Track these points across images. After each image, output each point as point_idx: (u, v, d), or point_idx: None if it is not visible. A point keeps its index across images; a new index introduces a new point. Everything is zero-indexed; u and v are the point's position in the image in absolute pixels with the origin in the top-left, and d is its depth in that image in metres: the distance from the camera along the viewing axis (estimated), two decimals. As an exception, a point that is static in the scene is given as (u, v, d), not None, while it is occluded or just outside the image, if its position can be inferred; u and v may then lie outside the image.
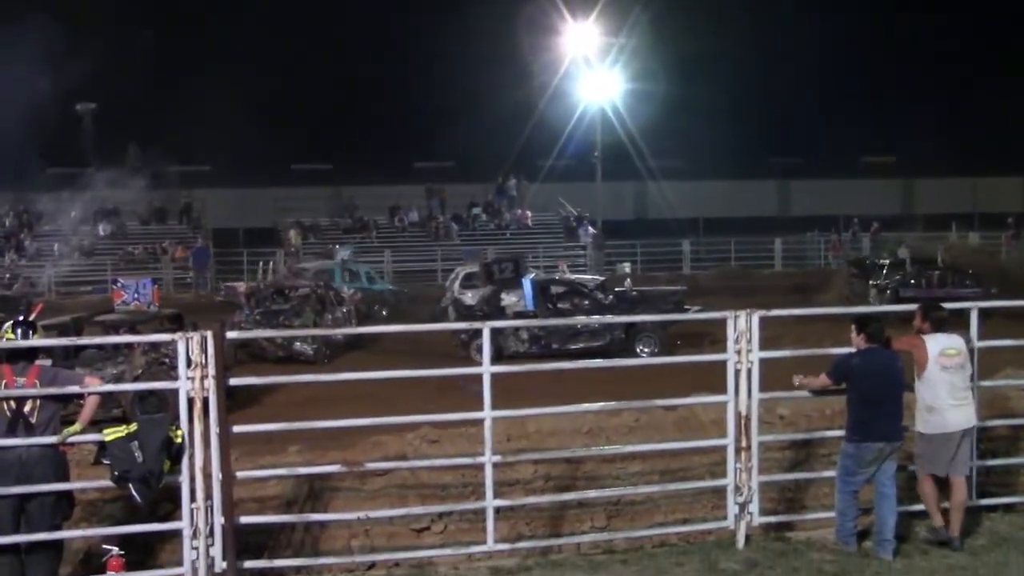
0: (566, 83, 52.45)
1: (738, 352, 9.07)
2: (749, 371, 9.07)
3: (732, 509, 9.18)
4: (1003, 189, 60.20)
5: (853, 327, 9.10)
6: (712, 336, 18.35)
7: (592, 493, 9.66)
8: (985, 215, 55.68)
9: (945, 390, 8.98)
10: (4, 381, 8.09)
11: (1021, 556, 8.94)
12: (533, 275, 26.40)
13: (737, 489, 9.13)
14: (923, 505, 9.24)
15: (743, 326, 9.06)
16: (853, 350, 9.09)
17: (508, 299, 24.38)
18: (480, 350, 21.12)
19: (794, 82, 54.74)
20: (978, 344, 9.51)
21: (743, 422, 9.11)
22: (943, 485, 9.17)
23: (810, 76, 54.96)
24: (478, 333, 20.73)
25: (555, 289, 24.74)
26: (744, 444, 9.11)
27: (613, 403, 9.63)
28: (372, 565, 9.12)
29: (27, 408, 8.10)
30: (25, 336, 8.37)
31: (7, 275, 39.65)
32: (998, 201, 57.26)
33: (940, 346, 9.02)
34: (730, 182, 56.01)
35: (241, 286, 29.73)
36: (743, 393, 9.09)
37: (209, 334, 8.11)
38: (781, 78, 54.59)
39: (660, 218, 52.99)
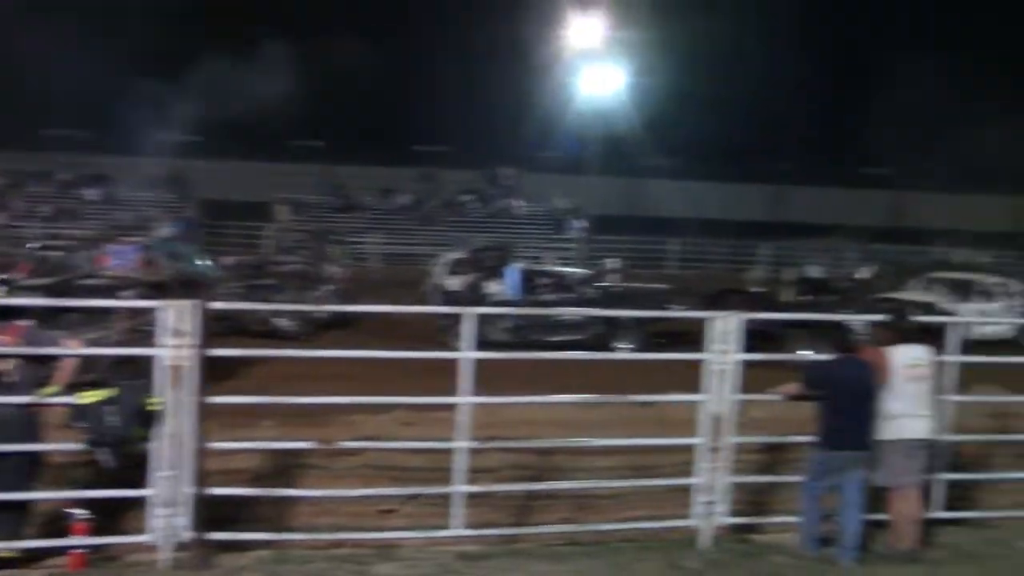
0: (567, 75, 52.43)
1: (718, 352, 9.13)
2: (727, 372, 9.13)
3: (699, 508, 9.24)
4: None
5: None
6: (693, 336, 18.31)
7: (562, 484, 9.70)
8: None
9: (908, 401, 9.09)
10: (-16, 339, 8.11)
11: (980, 569, 9.06)
12: (518, 265, 26.38)
13: (705, 489, 9.19)
14: (888, 515, 9.33)
15: (724, 327, 9.13)
16: (826, 358, 9.22)
17: (491, 287, 24.35)
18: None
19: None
20: (949, 359, 9.63)
21: (717, 422, 9.16)
22: (902, 498, 9.25)
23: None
24: (460, 319, 21.03)
25: (539, 280, 24.68)
26: (718, 444, 9.17)
27: (588, 396, 9.66)
28: (340, 544, 9.16)
29: (5, 367, 8.11)
30: (2, 294, 8.41)
31: None
32: None
33: (907, 357, 9.14)
34: (717, 184, 55.47)
35: None
36: (720, 393, 9.15)
37: (191, 304, 8.13)
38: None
39: (656, 216, 52.69)
